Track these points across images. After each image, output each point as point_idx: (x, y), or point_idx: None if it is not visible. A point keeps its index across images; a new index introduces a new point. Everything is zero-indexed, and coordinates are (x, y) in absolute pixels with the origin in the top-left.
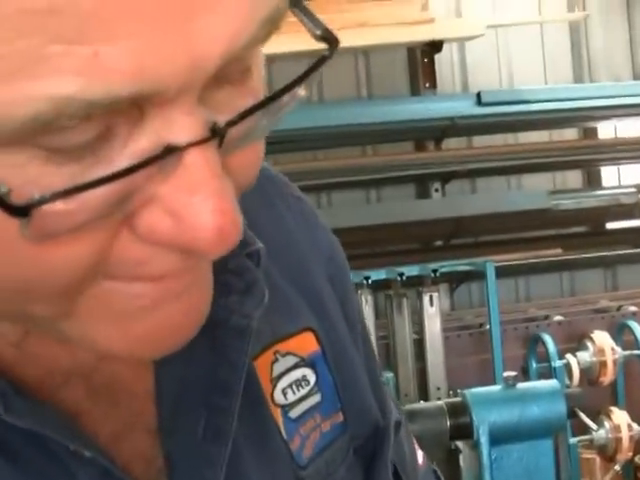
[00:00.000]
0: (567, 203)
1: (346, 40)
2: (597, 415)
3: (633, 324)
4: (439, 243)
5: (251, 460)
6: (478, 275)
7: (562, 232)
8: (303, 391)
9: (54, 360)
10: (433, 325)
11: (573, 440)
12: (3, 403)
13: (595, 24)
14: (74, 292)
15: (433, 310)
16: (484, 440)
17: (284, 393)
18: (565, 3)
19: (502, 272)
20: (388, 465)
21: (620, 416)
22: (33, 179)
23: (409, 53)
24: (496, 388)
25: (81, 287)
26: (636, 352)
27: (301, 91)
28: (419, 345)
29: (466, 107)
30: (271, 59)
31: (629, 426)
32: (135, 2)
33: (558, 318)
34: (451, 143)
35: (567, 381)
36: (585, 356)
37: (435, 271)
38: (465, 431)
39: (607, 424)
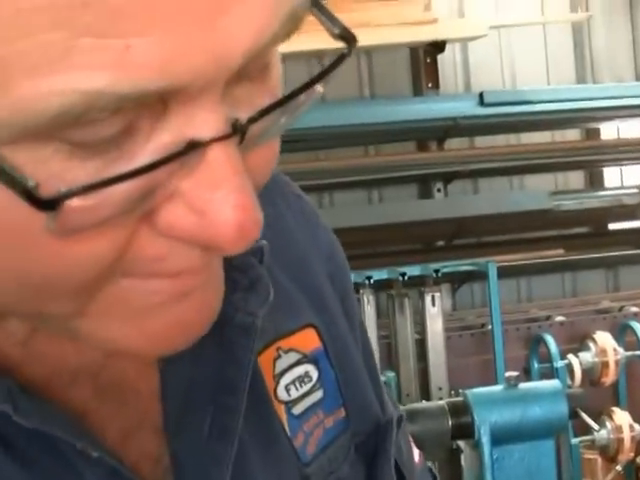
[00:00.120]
0: (569, 204)
1: None
2: (599, 416)
3: (635, 325)
4: (441, 243)
5: (257, 458)
6: (480, 275)
7: (564, 233)
8: (306, 387)
9: (61, 359)
10: (435, 325)
11: (575, 440)
12: (12, 402)
13: (598, 25)
14: (92, 289)
15: (435, 310)
16: (485, 440)
17: (287, 389)
18: (568, 4)
19: (504, 272)
20: (391, 461)
21: (622, 417)
22: (57, 174)
23: (412, 53)
24: (498, 388)
25: (99, 284)
26: (638, 353)
27: (319, 89)
28: (421, 345)
29: (468, 107)
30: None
31: (631, 427)
32: None
33: (560, 318)
34: (453, 143)
35: (569, 381)
36: (587, 357)
37: (437, 271)
38: (466, 431)
39: (609, 424)
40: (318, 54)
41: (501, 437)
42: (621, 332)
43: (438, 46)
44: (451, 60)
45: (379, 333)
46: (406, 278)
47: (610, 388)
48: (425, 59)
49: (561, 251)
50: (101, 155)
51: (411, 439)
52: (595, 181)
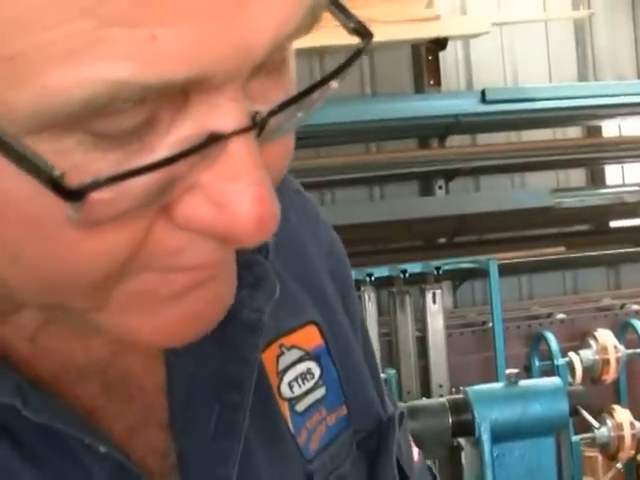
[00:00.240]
0: (571, 201)
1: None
2: (599, 413)
3: (636, 322)
4: (442, 241)
5: (262, 456)
6: (481, 273)
7: (565, 230)
8: (309, 384)
9: (69, 355)
10: (436, 322)
11: (575, 438)
12: (21, 397)
13: (600, 22)
14: (111, 283)
15: (436, 307)
16: (486, 437)
17: (290, 386)
18: (570, 1)
19: (505, 270)
20: (393, 459)
21: (622, 414)
22: (80, 164)
23: (413, 50)
24: (498, 386)
25: (116, 278)
26: (639, 350)
27: (335, 84)
28: (422, 342)
29: (470, 105)
30: None
31: (631, 424)
32: None
33: (561, 316)
34: (455, 141)
35: (570, 379)
36: (588, 354)
37: (438, 269)
38: (467, 428)
39: (609, 422)
40: (319, 51)
41: (501, 434)
42: (622, 330)
43: (440, 43)
44: (453, 57)
45: (380, 330)
46: (407, 275)
47: (611, 386)
48: (427, 56)
49: (562, 249)
50: (122, 147)
51: (410, 438)
52: (596, 179)
